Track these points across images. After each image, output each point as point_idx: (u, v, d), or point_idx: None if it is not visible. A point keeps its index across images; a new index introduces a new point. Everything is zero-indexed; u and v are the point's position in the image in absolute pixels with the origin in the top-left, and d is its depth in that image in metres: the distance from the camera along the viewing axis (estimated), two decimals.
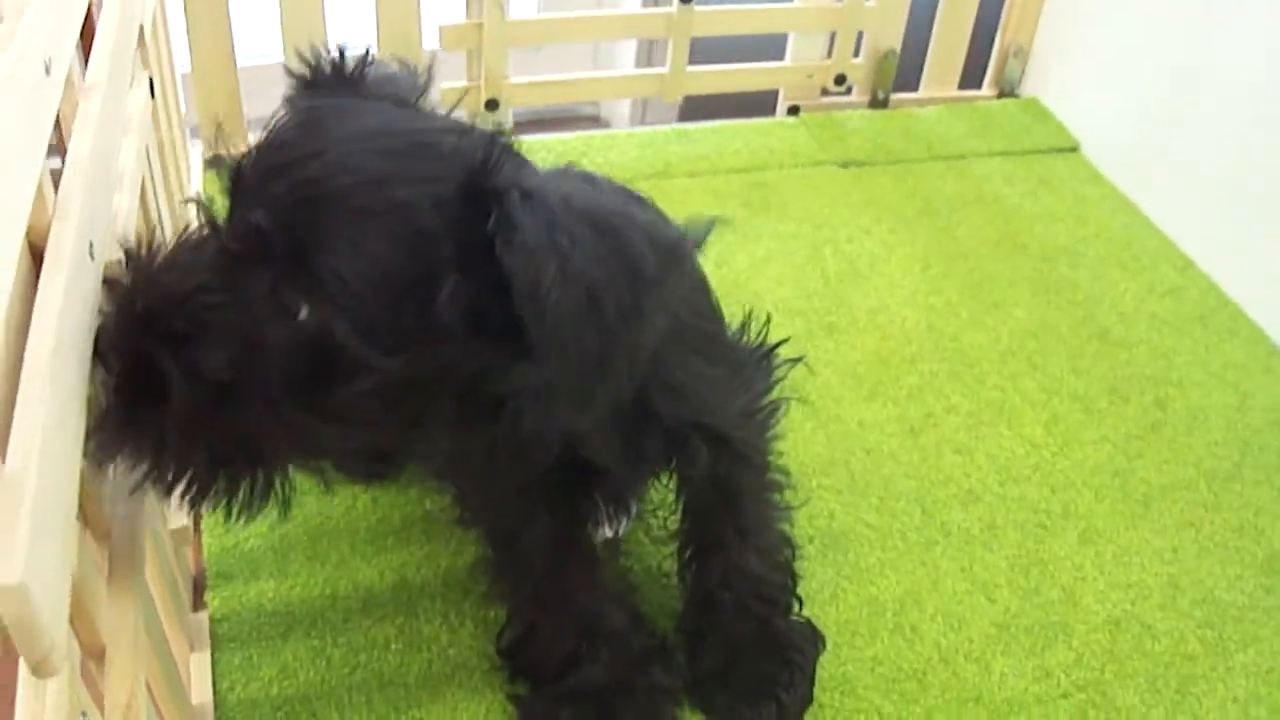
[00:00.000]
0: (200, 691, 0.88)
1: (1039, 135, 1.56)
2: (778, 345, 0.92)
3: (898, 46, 1.54)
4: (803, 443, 1.11)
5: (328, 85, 0.70)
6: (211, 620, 0.93)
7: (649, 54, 1.72)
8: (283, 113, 0.66)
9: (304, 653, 0.91)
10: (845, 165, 1.48)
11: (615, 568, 0.95)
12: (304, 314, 0.59)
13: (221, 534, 0.99)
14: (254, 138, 0.66)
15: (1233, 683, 0.93)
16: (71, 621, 0.62)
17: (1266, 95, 1.28)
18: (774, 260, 1.33)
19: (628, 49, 1.79)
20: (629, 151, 1.46)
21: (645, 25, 1.44)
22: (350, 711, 0.87)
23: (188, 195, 1.24)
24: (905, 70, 1.58)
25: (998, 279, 1.32)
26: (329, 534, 0.99)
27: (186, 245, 0.63)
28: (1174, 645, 0.96)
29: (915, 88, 1.60)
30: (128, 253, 0.64)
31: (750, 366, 0.91)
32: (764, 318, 1.09)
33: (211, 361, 0.59)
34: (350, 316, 0.58)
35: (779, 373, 0.92)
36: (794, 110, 1.56)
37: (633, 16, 1.43)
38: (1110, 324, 1.27)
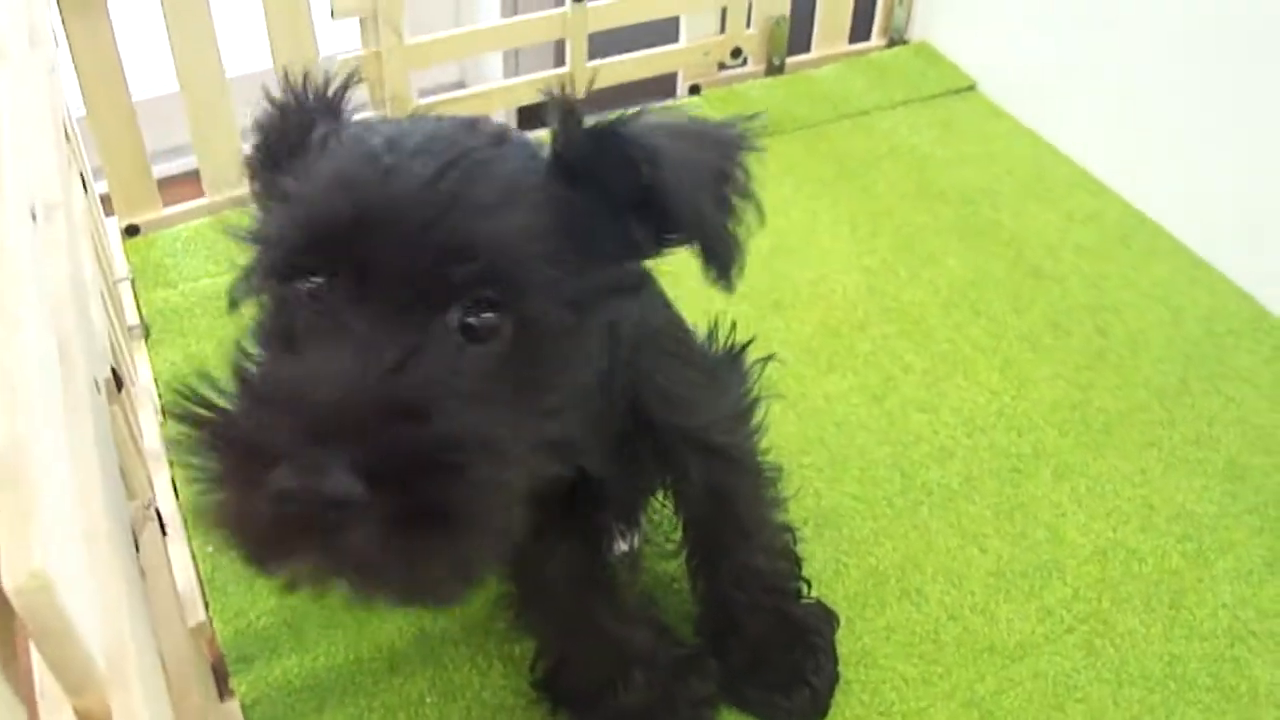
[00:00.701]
0: None
1: (935, 79, 1.61)
2: (746, 345, 0.94)
3: (787, 11, 1.57)
4: (775, 425, 1.13)
5: (312, 109, 0.68)
6: (243, 707, 0.93)
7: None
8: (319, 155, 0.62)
9: None
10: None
11: (635, 587, 0.97)
12: (499, 326, 0.59)
13: (232, 618, 0.99)
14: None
15: (1219, 589, 1.00)
16: None
17: (1156, 3, 1.33)
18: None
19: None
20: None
21: (543, 28, 1.45)
22: None
23: (119, 275, 1.22)
24: (796, 33, 1.61)
25: (925, 230, 1.36)
26: (338, 598, 1.00)
27: (297, 351, 0.58)
28: (1159, 564, 1.02)
29: (808, 49, 1.63)
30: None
31: (724, 369, 0.93)
32: (711, 310, 1.12)
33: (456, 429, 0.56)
34: (539, 300, 0.59)
35: (752, 371, 0.94)
36: (695, 89, 1.58)
37: (530, 22, 1.43)
38: (1040, 259, 1.33)
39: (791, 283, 1.30)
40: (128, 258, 1.31)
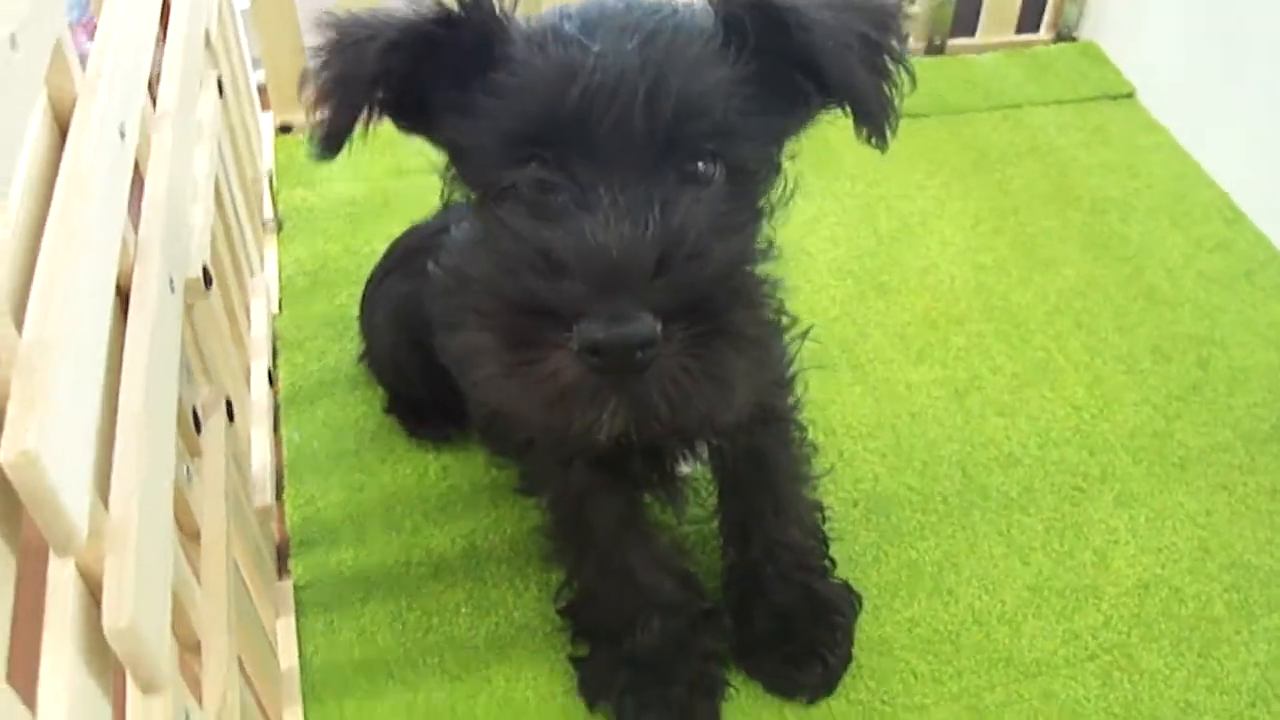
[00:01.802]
0: (287, 655, 0.94)
1: (1095, 81, 1.52)
2: (792, 320, 0.92)
3: None
4: (851, 405, 1.13)
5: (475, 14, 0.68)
6: (296, 587, 0.98)
7: None
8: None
9: (382, 617, 0.96)
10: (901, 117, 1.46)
11: (670, 535, 0.98)
12: (715, 172, 0.64)
13: (303, 504, 1.04)
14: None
15: (1255, 647, 0.95)
16: (175, 622, 0.67)
17: None
18: (827, 219, 1.33)
19: None
20: None
21: None
22: (424, 671, 0.93)
23: (261, 170, 1.27)
24: (963, 14, 1.55)
25: (1049, 235, 1.31)
26: (403, 502, 1.04)
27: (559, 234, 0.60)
28: (1200, 609, 0.97)
29: (972, 32, 1.57)
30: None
31: (775, 337, 0.92)
32: (817, 283, 1.10)
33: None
34: (744, 145, 0.65)
35: (793, 346, 0.92)
36: None
37: None
38: (1157, 281, 1.26)
39: (902, 268, 1.27)
40: (275, 154, 1.36)
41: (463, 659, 0.94)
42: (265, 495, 0.96)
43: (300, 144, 1.38)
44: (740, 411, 0.65)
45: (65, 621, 0.52)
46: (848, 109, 0.67)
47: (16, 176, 0.58)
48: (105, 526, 0.55)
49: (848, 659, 0.93)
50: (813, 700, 0.91)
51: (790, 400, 0.91)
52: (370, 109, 0.66)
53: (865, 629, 0.95)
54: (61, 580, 0.53)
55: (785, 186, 0.73)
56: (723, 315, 0.60)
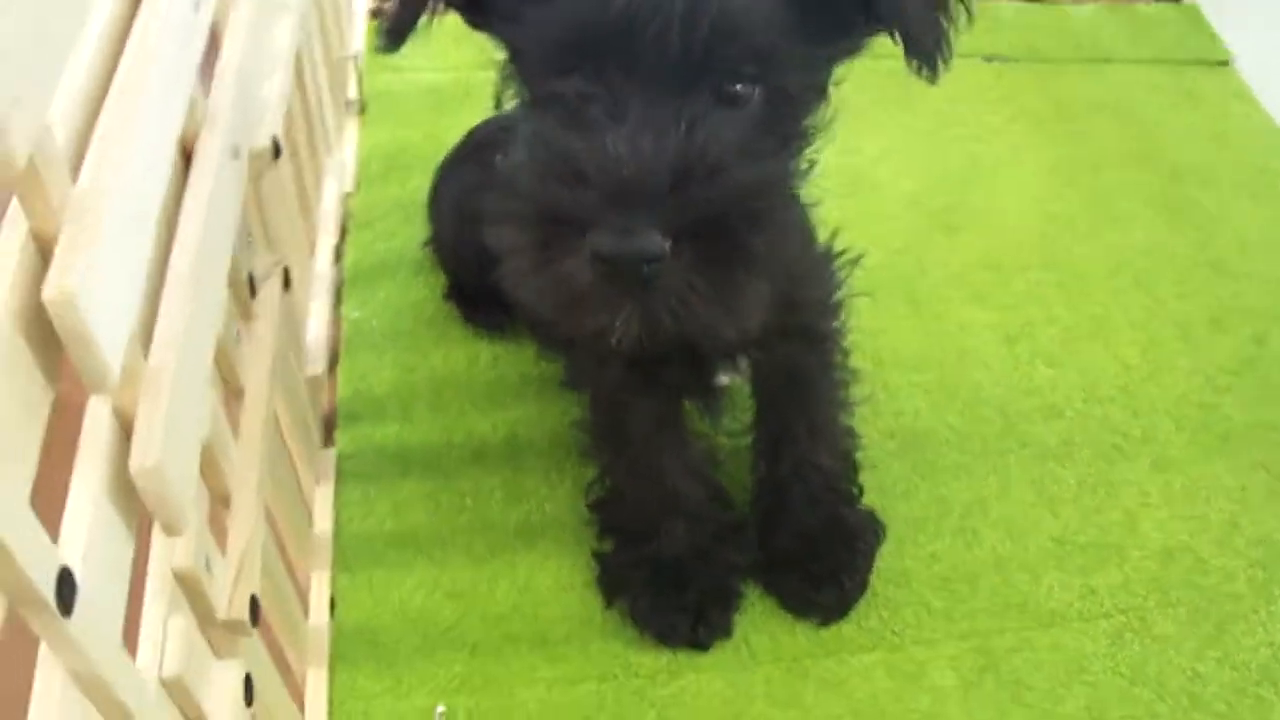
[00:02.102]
0: (322, 521, 0.96)
1: (1192, 45, 1.47)
2: (841, 252, 0.92)
3: None
4: (902, 338, 1.12)
5: None
6: (338, 457, 1.00)
7: None
8: None
9: (418, 494, 0.98)
10: (989, 59, 1.43)
11: (706, 445, 0.99)
12: (754, 95, 0.63)
13: (355, 379, 1.05)
14: None
15: (1272, 627, 0.94)
16: (203, 473, 0.69)
17: None
18: (899, 152, 1.31)
19: None
20: None
21: None
22: (452, 550, 0.95)
23: (349, 51, 1.27)
24: None
25: (1122, 192, 1.28)
26: (451, 386, 1.05)
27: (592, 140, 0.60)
28: (1222, 582, 0.96)
29: None
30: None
31: (825, 262, 0.91)
32: (884, 213, 1.08)
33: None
34: (783, 69, 0.64)
35: (843, 271, 0.92)
36: None
37: None
38: (1227, 252, 1.22)
39: (971, 208, 1.25)
40: (366, 37, 1.36)
41: (490, 542, 0.96)
42: (317, 365, 0.97)
43: None
44: (749, 329, 0.65)
45: (96, 456, 0.54)
46: (897, 37, 0.66)
47: (89, 34, 0.59)
48: (143, 372, 0.57)
49: (864, 585, 0.93)
50: (825, 622, 0.92)
51: (835, 324, 0.91)
52: (436, 3, 0.66)
53: (886, 559, 0.96)
54: (97, 418, 0.55)
55: (829, 112, 0.72)
56: (735, 236, 0.61)
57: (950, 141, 1.32)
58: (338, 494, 0.98)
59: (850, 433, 0.97)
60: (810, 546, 0.93)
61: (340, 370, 1.06)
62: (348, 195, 1.19)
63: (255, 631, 0.70)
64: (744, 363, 0.84)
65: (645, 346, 0.63)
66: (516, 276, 0.62)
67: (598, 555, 0.94)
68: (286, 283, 0.85)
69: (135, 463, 0.54)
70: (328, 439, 1.02)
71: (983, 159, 1.30)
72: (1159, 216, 1.25)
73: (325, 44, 1.09)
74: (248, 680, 0.68)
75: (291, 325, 0.93)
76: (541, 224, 0.61)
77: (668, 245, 0.58)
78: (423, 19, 0.67)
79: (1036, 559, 0.97)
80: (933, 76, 0.67)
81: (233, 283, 0.76)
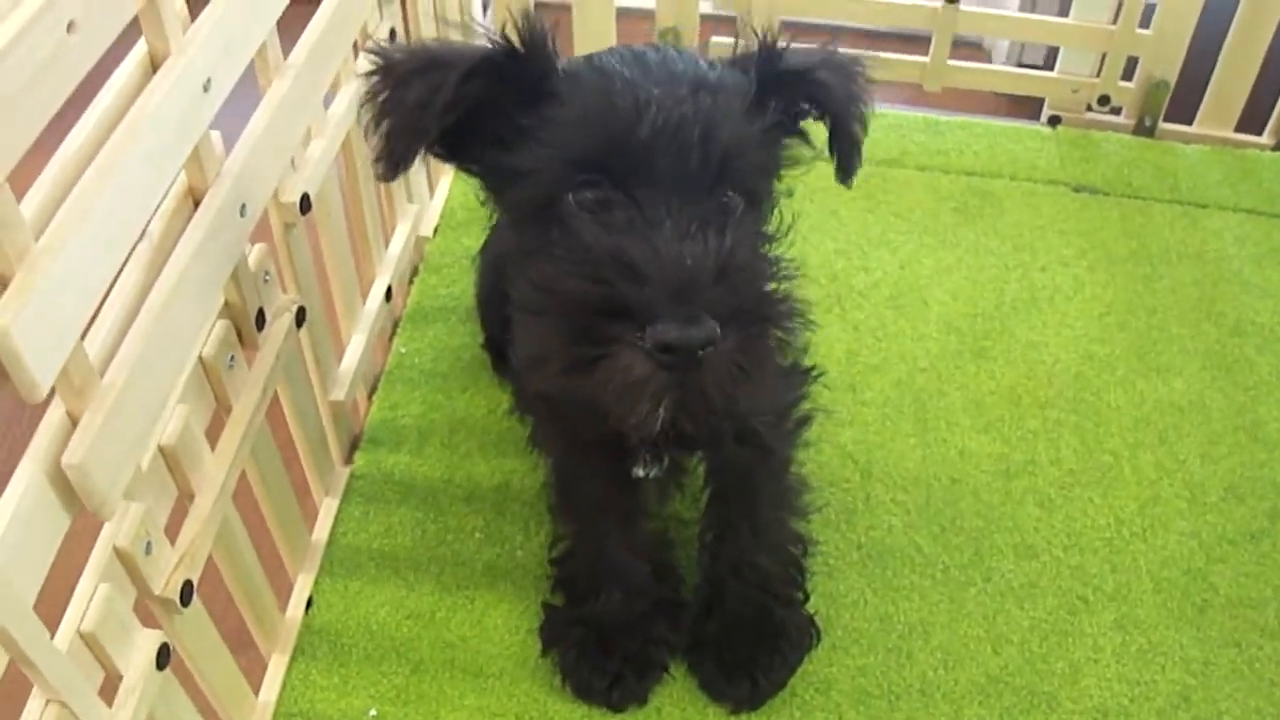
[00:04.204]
0: (320, 531, 1.04)
1: None
2: (810, 367, 0.93)
3: (1171, 79, 1.40)
4: (898, 456, 1.11)
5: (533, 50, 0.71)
6: (351, 476, 1.08)
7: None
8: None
9: (409, 520, 1.05)
10: (1078, 190, 1.38)
11: (658, 523, 1.01)
12: (739, 202, 0.71)
13: (386, 408, 1.13)
14: None
15: None
16: (170, 473, 0.78)
17: None
18: (958, 272, 1.29)
19: None
20: (873, 133, 1.42)
21: (909, 16, 1.39)
22: (424, 576, 1.01)
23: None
24: (1183, 99, 1.44)
25: (1173, 342, 1.22)
26: (465, 428, 1.12)
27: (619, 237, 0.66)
28: None
29: (1190, 119, 1.45)
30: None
31: (789, 375, 0.92)
32: (917, 328, 1.08)
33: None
34: (763, 181, 0.74)
35: (807, 389, 0.93)
36: (1054, 121, 1.46)
37: (896, 6, 1.38)
38: (1267, 419, 1.15)
39: (1009, 339, 1.22)
40: None
41: (459, 576, 1.02)
42: (341, 392, 1.05)
43: None
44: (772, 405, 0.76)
45: (41, 448, 0.64)
46: (832, 153, 0.77)
47: (99, 106, 0.68)
48: (95, 387, 0.66)
49: (780, 685, 0.94)
50: (734, 712, 0.93)
51: (788, 437, 0.92)
52: (426, 141, 0.71)
53: (813, 664, 0.96)
54: (51, 419, 0.65)
55: (781, 218, 0.79)
56: (764, 323, 0.68)
57: (1015, 268, 1.29)
58: (341, 508, 1.06)
59: (799, 539, 0.97)
60: (732, 638, 0.94)
61: (376, 398, 1.14)
62: (423, 240, 1.27)
63: (186, 611, 0.78)
64: (665, 462, 0.86)
65: (675, 431, 0.69)
66: (558, 376, 0.66)
67: (546, 606, 0.98)
68: (300, 320, 0.93)
69: (64, 458, 0.64)
70: (349, 458, 1.10)
71: (1041, 290, 1.27)
72: (1205, 372, 1.19)
73: None
74: (165, 649, 0.75)
75: (318, 356, 1.01)
76: (586, 319, 0.64)
77: (718, 330, 0.63)
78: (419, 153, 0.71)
79: (964, 692, 0.94)
80: (849, 184, 0.78)
81: (235, 316, 0.85)
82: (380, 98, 0.70)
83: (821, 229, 1.33)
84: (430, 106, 0.68)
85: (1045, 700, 0.94)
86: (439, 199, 1.33)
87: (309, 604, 1.00)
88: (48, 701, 0.66)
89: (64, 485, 0.65)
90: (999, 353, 1.20)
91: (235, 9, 0.76)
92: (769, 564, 0.94)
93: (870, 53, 0.82)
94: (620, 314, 0.63)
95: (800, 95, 0.75)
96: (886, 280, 1.28)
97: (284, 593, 0.99)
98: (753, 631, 0.94)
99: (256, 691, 0.94)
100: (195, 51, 0.72)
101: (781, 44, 0.74)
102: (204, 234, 0.75)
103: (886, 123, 1.45)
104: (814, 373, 0.94)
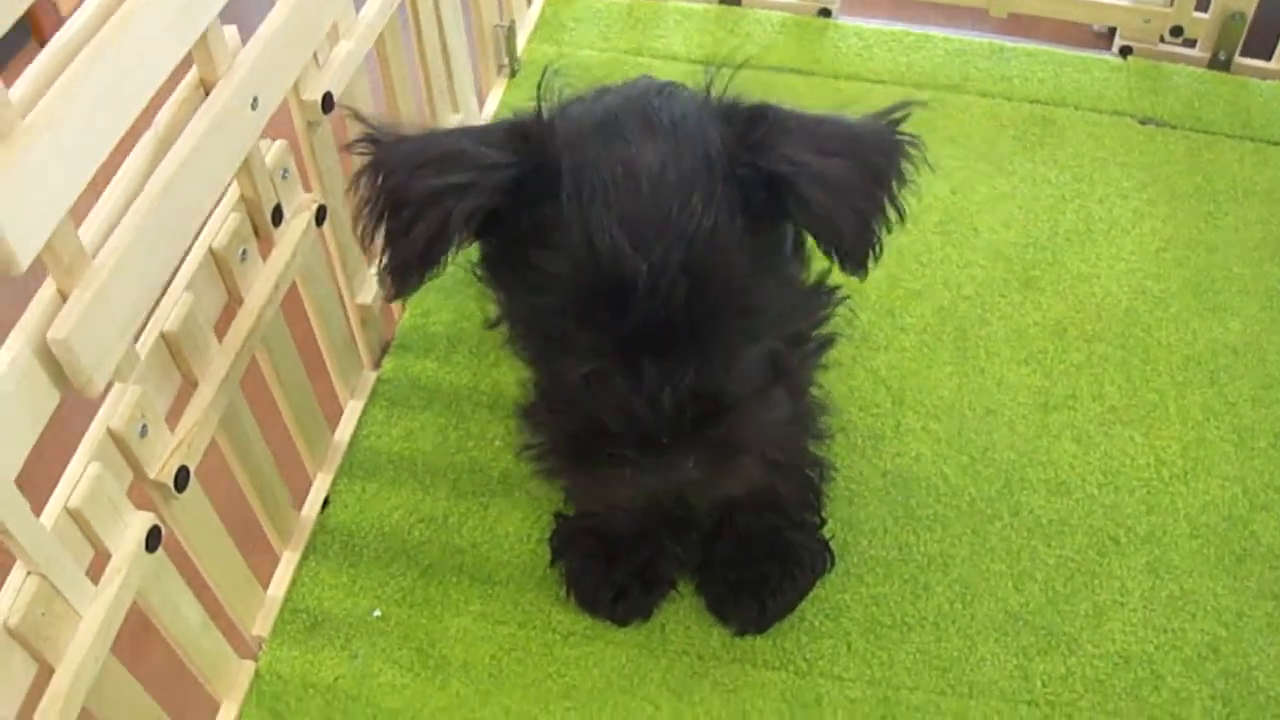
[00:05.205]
0: (342, 432, 1.02)
1: None
2: (836, 287, 0.87)
3: (1248, 11, 1.29)
4: (932, 383, 1.06)
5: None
6: (379, 379, 1.06)
7: None
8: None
9: (431, 425, 1.02)
10: (1144, 122, 1.30)
11: None
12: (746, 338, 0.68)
13: (418, 315, 1.10)
14: None
15: None
16: (176, 362, 0.76)
17: None
18: (1012, 200, 1.21)
19: None
20: (934, 58, 1.36)
21: None
22: (440, 481, 0.99)
23: (507, 20, 1.30)
24: (1263, 31, 1.34)
25: (1234, 282, 1.14)
26: (493, 338, 1.06)
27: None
28: (1173, 704, 0.86)
29: (1269, 54, 1.35)
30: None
31: (810, 295, 0.87)
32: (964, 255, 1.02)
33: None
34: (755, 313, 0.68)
35: (831, 309, 0.87)
36: (1125, 51, 1.37)
37: None
38: None
39: (1060, 269, 1.15)
40: (542, 7, 1.40)
41: (475, 482, 0.99)
42: (369, 295, 1.03)
43: (570, 2, 1.42)
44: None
45: (30, 323, 0.63)
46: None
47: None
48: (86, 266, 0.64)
49: (788, 609, 0.90)
50: (740, 634, 0.89)
51: (805, 354, 0.87)
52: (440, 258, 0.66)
53: (825, 589, 0.91)
54: (41, 295, 0.64)
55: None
56: (746, 454, 0.67)
57: (1071, 198, 1.22)
58: (365, 410, 1.03)
59: (816, 462, 0.92)
60: (742, 558, 0.90)
61: (408, 304, 1.11)
62: None
63: (183, 497, 0.76)
64: None
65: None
66: (557, 465, 0.70)
67: (557, 516, 0.95)
68: (320, 219, 0.90)
69: (50, 332, 0.62)
70: (378, 362, 1.07)
71: (1097, 222, 1.19)
72: (1265, 313, 1.11)
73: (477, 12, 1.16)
74: (156, 532, 0.74)
75: (348, 259, 0.98)
76: (579, 445, 0.66)
77: (691, 464, 0.64)
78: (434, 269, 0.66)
79: (980, 627, 0.90)
80: (862, 274, 0.69)
81: (251, 210, 0.82)
82: (377, 216, 0.66)
83: None
84: (438, 246, 0.64)
85: (1065, 641, 0.89)
86: (488, 110, 1.29)
87: (325, 503, 0.98)
88: (28, 573, 0.64)
89: (50, 361, 0.63)
90: (1047, 283, 1.14)
91: None
92: (783, 486, 0.90)
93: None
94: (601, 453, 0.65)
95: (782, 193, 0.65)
96: (936, 205, 1.21)
97: (301, 491, 0.98)
98: (763, 553, 0.90)
99: (265, 586, 0.92)
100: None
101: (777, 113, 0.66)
102: (210, 123, 0.72)
103: (951, 47, 1.37)
104: (839, 294, 0.89)
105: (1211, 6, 1.31)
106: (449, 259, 0.65)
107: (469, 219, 0.63)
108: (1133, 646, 0.89)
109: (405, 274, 0.66)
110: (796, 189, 0.64)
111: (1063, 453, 1.01)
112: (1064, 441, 1.01)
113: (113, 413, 0.69)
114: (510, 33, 1.28)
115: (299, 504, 0.96)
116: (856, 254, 0.68)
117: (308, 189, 0.91)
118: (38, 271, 0.62)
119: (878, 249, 0.69)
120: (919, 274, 1.15)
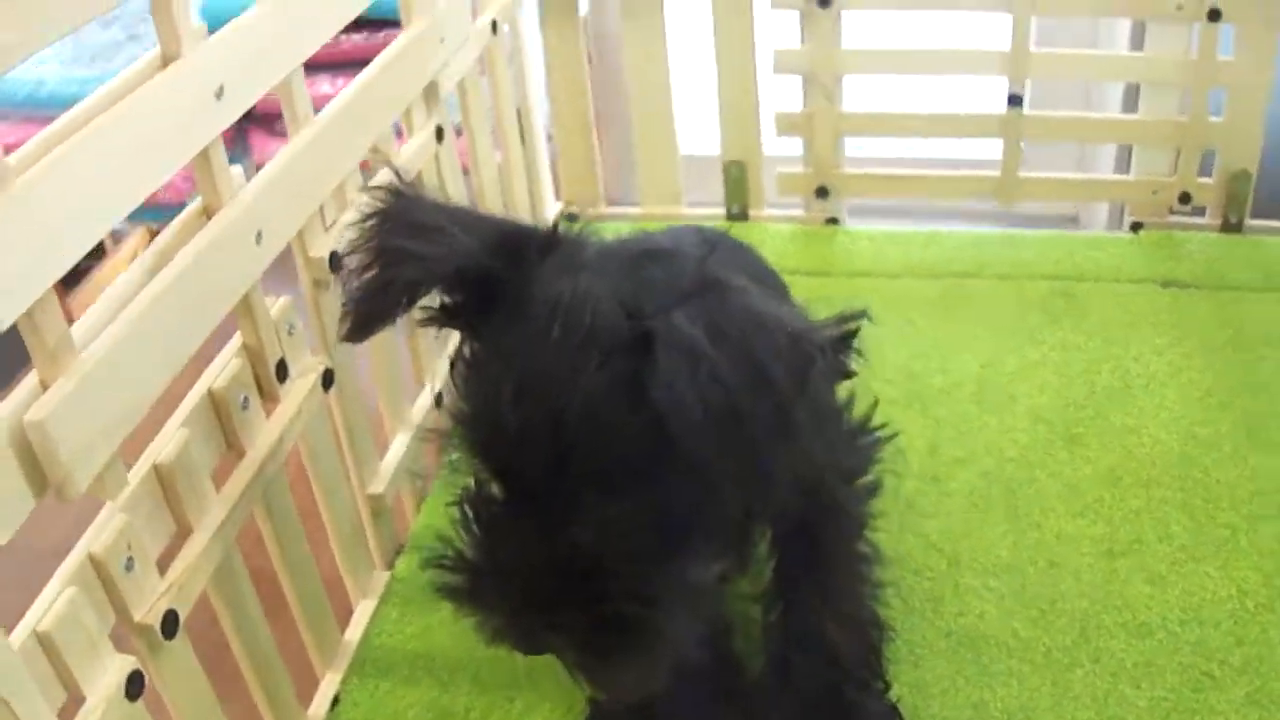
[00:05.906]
0: (353, 632, 0.97)
1: None
2: (880, 427, 0.84)
3: (1252, 168, 1.32)
4: (988, 543, 0.99)
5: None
6: (392, 579, 1.01)
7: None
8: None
9: (447, 619, 0.95)
10: (1166, 285, 1.29)
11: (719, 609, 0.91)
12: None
13: (433, 515, 1.07)
14: None
15: None
16: (170, 502, 0.73)
17: None
18: (1045, 367, 1.19)
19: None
20: (946, 250, 1.38)
21: (975, 125, 1.36)
22: (461, 675, 0.93)
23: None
24: (1270, 198, 1.35)
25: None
26: None
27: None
28: None
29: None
30: None
31: (857, 437, 0.84)
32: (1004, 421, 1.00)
33: None
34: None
35: (877, 452, 0.84)
36: (1136, 227, 1.39)
37: (962, 117, 1.36)
38: None
39: (1104, 424, 1.10)
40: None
41: (499, 675, 0.92)
42: (380, 485, 1.00)
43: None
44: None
45: (9, 406, 0.60)
46: None
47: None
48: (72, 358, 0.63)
49: None
50: None
51: (856, 497, 0.83)
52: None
53: None
54: (25, 383, 0.61)
55: None
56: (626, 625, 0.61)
57: (1105, 360, 1.19)
58: (377, 611, 0.98)
59: (876, 621, 0.85)
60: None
61: (424, 505, 1.08)
62: None
63: (172, 645, 0.71)
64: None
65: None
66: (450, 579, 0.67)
67: (591, 701, 0.87)
68: (327, 384, 0.89)
69: (27, 415, 0.59)
70: (391, 563, 1.03)
71: (1135, 378, 1.16)
72: None
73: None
74: (139, 678, 0.68)
75: (357, 439, 0.97)
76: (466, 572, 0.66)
77: (548, 634, 0.63)
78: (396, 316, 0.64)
79: None
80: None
81: (253, 359, 0.81)
82: (366, 263, 0.65)
83: (896, 337, 1.25)
84: (379, 300, 0.63)
85: None
86: None
87: (335, 702, 0.91)
88: None
89: (26, 449, 0.59)
90: (1093, 438, 1.09)
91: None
92: (840, 636, 0.82)
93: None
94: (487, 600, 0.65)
95: None
96: (968, 379, 1.19)
97: (307, 692, 0.91)
98: (826, 714, 0.82)
99: None
100: (208, 57, 0.71)
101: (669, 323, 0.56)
102: (209, 243, 0.73)
103: (961, 240, 1.39)
104: (884, 433, 0.85)
105: (1215, 167, 1.33)
106: (393, 317, 0.64)
107: (409, 289, 0.62)
108: None
109: (354, 314, 0.65)
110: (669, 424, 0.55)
111: (1137, 595, 0.93)
112: (1136, 584, 0.94)
113: (96, 537, 0.66)
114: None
115: (305, 702, 0.90)
116: (748, 485, 0.59)
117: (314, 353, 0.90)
118: None
119: (771, 485, 0.60)
120: (959, 442, 1.11)
